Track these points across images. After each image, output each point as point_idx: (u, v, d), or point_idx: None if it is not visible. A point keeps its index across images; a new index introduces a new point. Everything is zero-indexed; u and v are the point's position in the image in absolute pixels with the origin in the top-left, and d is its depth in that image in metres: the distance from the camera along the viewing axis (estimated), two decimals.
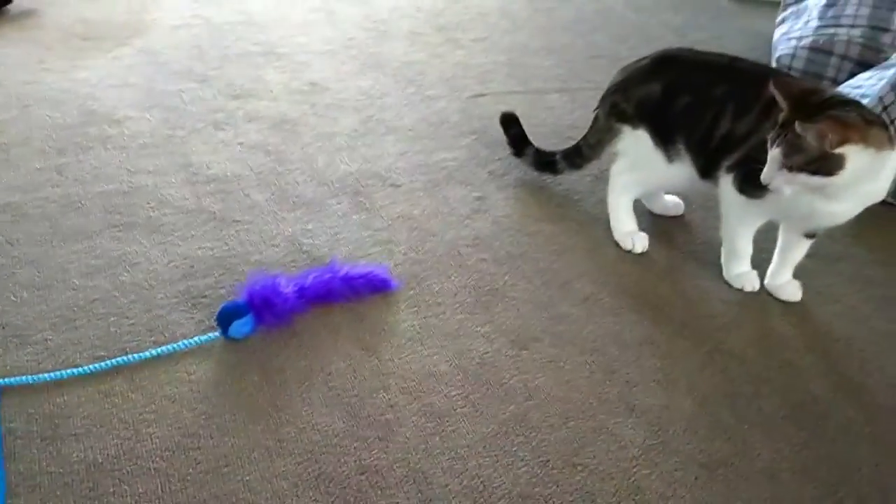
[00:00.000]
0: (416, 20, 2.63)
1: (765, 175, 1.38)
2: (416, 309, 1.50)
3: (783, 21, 2.59)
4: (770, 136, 1.37)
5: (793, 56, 2.33)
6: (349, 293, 1.48)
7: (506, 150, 1.91)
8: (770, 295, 1.62)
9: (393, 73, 2.30)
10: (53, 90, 2.07)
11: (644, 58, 1.67)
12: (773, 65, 2.38)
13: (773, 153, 1.36)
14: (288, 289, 1.42)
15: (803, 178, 1.34)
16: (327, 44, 2.44)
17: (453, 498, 1.18)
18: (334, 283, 1.47)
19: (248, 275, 1.47)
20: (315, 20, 2.58)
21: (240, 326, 1.38)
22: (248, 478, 1.18)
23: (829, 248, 1.75)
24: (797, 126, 1.31)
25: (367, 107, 2.13)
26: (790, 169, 1.34)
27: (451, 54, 2.44)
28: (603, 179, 1.80)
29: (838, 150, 1.30)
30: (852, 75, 2.17)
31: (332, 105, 2.12)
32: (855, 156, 1.31)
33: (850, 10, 2.37)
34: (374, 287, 1.51)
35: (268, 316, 1.39)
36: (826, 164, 1.32)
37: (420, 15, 2.67)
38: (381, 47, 2.44)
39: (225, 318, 1.38)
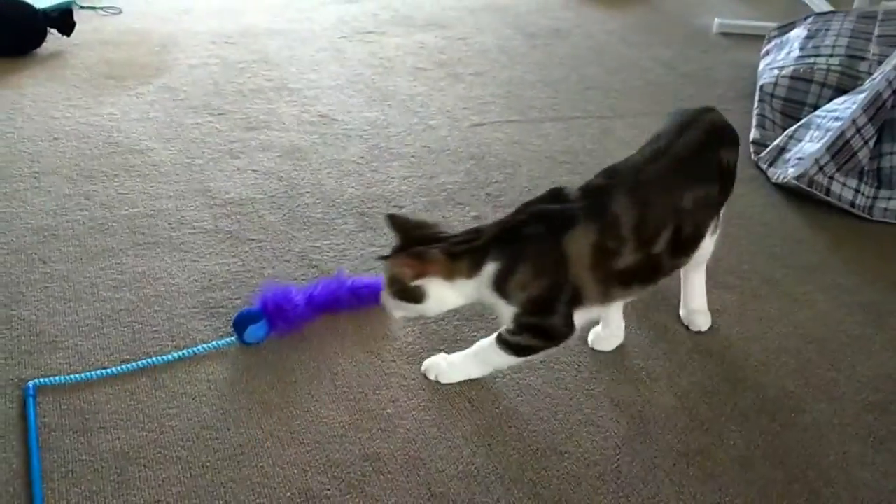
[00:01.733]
0: (419, 57, 2.79)
1: (381, 299, 1.45)
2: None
3: (767, 53, 2.72)
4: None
5: (775, 84, 2.45)
6: (355, 302, 1.60)
7: (501, 174, 2.04)
8: (748, 304, 1.72)
9: (397, 106, 2.45)
10: (81, 124, 2.22)
11: None
12: (757, 93, 2.51)
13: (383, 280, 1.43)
14: (298, 297, 1.54)
15: (402, 304, 1.40)
16: (336, 79, 2.59)
17: (450, 482, 1.28)
18: (341, 292, 1.59)
19: (262, 285, 1.60)
20: (324, 58, 2.73)
21: (254, 331, 1.50)
22: (261, 464, 1.29)
23: (806, 259, 1.86)
24: (385, 260, 1.40)
25: (373, 136, 2.27)
26: (391, 296, 1.40)
27: (452, 88, 2.59)
28: None
29: (417, 283, 1.36)
30: (831, 101, 2.29)
31: (340, 135, 2.27)
32: (435, 288, 1.36)
33: (828, 41, 2.50)
34: (378, 297, 1.62)
35: (280, 322, 1.51)
36: (411, 294, 1.37)
37: (423, 52, 2.83)
38: (386, 82, 2.59)
39: (240, 324, 1.50)
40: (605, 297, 1.39)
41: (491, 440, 1.36)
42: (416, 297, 1.37)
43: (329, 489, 1.26)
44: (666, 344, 1.58)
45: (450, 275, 1.36)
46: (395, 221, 1.44)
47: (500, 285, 1.34)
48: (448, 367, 1.47)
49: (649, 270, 1.39)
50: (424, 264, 1.35)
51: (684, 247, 1.43)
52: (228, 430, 1.35)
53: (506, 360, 1.42)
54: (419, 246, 1.36)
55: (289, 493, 1.25)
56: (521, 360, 1.42)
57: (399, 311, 1.42)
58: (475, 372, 1.46)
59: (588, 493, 1.28)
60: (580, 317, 1.38)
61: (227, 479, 1.26)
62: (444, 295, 1.37)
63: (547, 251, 1.33)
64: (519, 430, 1.38)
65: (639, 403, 1.45)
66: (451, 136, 2.30)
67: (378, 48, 2.84)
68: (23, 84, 2.41)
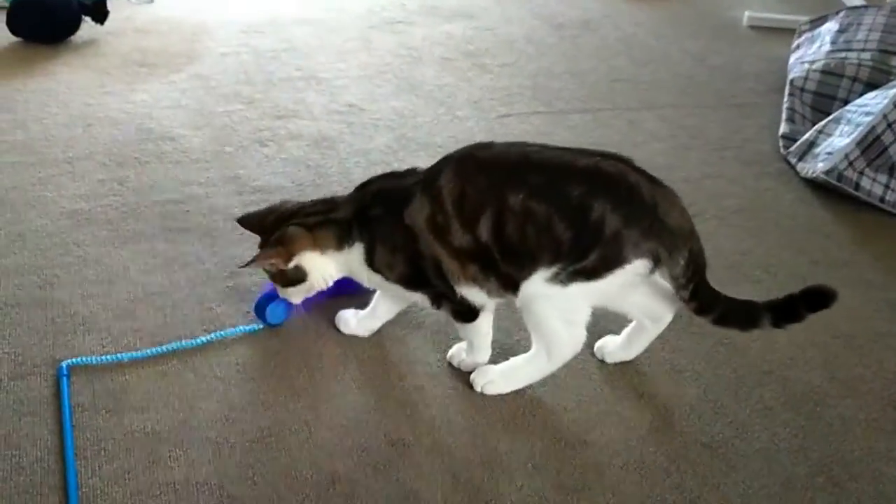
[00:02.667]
0: (447, 47, 2.80)
1: (282, 295, 1.46)
2: None
3: (798, 47, 2.70)
4: None
5: (805, 78, 2.44)
6: None
7: None
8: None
9: (425, 96, 2.46)
10: (114, 111, 2.26)
11: None
12: (787, 87, 2.49)
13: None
14: None
15: (293, 289, 1.42)
16: (364, 69, 2.61)
17: (474, 468, 1.30)
18: None
19: None
20: (353, 48, 2.75)
21: (275, 310, 1.51)
22: (289, 447, 1.31)
23: (834, 254, 1.85)
24: (253, 264, 1.40)
25: (400, 126, 2.29)
26: (281, 288, 1.43)
27: (480, 78, 2.59)
28: None
29: (293, 265, 1.38)
30: (862, 96, 2.27)
31: (367, 124, 2.28)
32: (310, 262, 1.39)
33: (860, 36, 2.48)
34: None
35: None
36: (294, 277, 1.39)
37: (451, 42, 2.84)
38: (413, 72, 2.61)
39: (260, 307, 1.52)
40: (472, 279, 1.34)
41: (515, 429, 1.37)
42: (299, 277, 1.40)
43: (355, 473, 1.28)
44: (691, 336, 1.58)
45: (316, 245, 1.39)
46: (247, 221, 1.48)
47: (371, 265, 1.39)
48: (466, 355, 1.48)
49: (492, 263, 1.31)
50: (288, 245, 1.38)
51: (512, 254, 1.30)
52: (257, 412, 1.37)
53: (468, 329, 1.43)
54: (276, 231, 1.40)
55: (315, 476, 1.27)
56: (479, 323, 1.41)
57: (296, 296, 1.45)
58: (481, 353, 1.46)
59: (612, 482, 1.29)
60: (476, 295, 1.36)
61: (255, 460, 1.28)
62: (322, 265, 1.40)
63: (393, 229, 1.35)
64: (543, 419, 1.40)
65: (663, 395, 1.46)
66: (477, 126, 2.31)
67: (406, 38, 2.85)
68: (57, 71, 2.45)
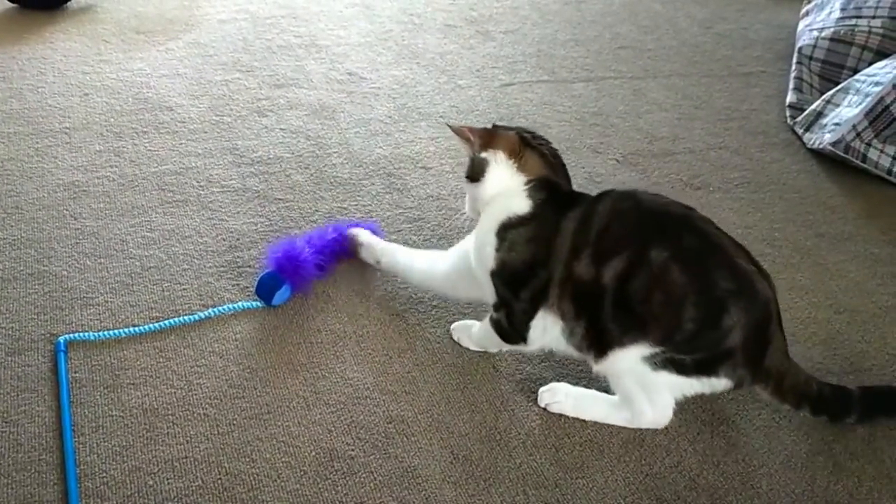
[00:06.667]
0: (449, 13, 2.75)
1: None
2: None
3: (807, 13, 2.65)
4: None
5: (814, 46, 2.39)
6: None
7: None
8: (779, 273, 1.70)
9: (426, 64, 2.42)
10: (111, 79, 2.23)
11: None
12: (795, 55, 2.44)
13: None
14: (304, 246, 1.54)
15: (470, 188, 1.37)
16: (365, 36, 2.56)
17: (473, 445, 1.29)
18: (339, 232, 1.61)
19: (268, 246, 1.59)
20: (353, 14, 2.70)
21: (281, 295, 1.50)
22: (287, 424, 1.31)
23: (839, 227, 1.83)
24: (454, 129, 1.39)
25: (402, 95, 2.25)
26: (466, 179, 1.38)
27: (482, 46, 2.55)
28: (629, 164, 1.89)
29: (482, 155, 1.34)
30: (872, 65, 2.23)
31: (368, 93, 2.25)
32: (499, 168, 1.33)
33: (871, 2, 2.42)
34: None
35: (298, 279, 1.51)
36: (475, 169, 1.35)
37: (454, 8, 2.78)
38: (415, 39, 2.56)
39: (266, 291, 1.50)
40: (559, 311, 1.28)
41: (514, 405, 1.37)
42: (477, 172, 1.34)
43: (353, 450, 1.27)
44: None
45: (517, 157, 1.33)
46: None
47: (503, 230, 1.30)
48: (472, 336, 1.46)
49: (593, 304, 1.24)
50: (491, 138, 1.35)
51: (625, 310, 1.22)
52: (255, 388, 1.36)
53: (496, 343, 1.40)
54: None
55: (314, 453, 1.26)
56: (510, 346, 1.39)
57: (466, 201, 1.41)
58: (490, 348, 1.46)
59: (610, 460, 1.29)
60: (537, 326, 1.31)
61: (253, 437, 1.28)
62: (504, 176, 1.33)
63: (554, 220, 1.29)
64: None
65: None
66: (480, 96, 2.27)
67: (408, 4, 2.80)
68: (54, 38, 2.41)
